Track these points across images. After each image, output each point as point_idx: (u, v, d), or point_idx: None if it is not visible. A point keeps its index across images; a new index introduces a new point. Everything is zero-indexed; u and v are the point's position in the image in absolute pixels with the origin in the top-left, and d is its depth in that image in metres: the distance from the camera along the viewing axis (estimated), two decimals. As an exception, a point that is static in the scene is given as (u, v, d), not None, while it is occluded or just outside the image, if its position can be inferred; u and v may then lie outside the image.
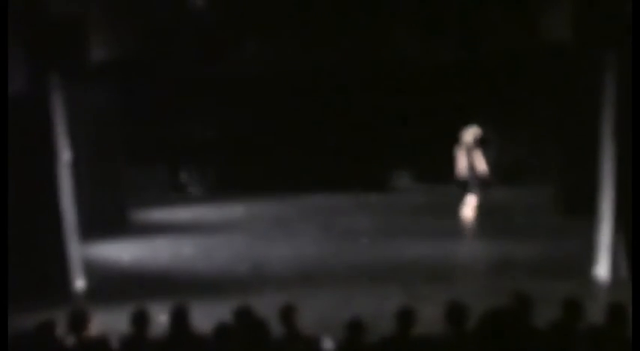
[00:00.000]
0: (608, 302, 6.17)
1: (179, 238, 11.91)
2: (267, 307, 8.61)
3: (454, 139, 14.43)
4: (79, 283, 9.80)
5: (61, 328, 6.11)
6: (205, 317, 8.12)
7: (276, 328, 6.21)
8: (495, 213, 12.82)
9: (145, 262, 10.81)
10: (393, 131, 14.54)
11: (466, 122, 14.29)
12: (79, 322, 6.07)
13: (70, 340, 6.01)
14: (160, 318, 7.81)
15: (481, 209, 12.98)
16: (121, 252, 11.23)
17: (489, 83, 13.89)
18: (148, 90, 13.55)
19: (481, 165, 11.87)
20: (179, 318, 6.09)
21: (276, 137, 14.46)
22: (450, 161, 14.66)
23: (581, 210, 11.81)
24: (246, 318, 6.07)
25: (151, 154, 14.19)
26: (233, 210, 13.62)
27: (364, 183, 14.52)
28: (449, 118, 14.28)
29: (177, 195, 14.14)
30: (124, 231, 12.24)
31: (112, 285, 9.87)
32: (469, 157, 11.69)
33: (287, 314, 6.04)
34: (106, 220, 12.26)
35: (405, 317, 5.85)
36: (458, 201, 13.62)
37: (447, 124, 14.33)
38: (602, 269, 9.42)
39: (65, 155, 9.72)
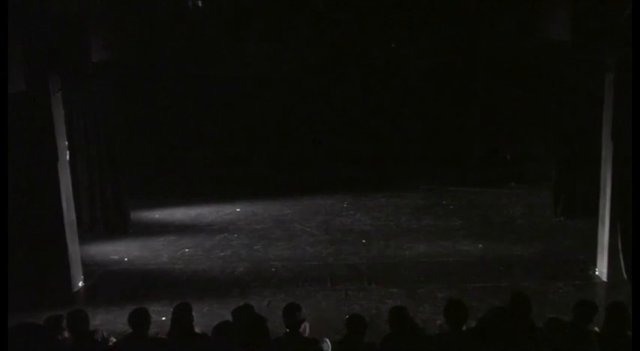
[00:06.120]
0: (608, 302, 6.18)
1: (179, 238, 11.93)
2: (266, 307, 8.67)
3: (454, 139, 14.50)
4: (79, 283, 9.82)
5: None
6: (205, 317, 8.17)
7: (275, 328, 6.22)
8: (495, 213, 12.84)
9: (145, 262, 10.81)
10: (393, 132, 14.55)
11: (465, 121, 14.35)
12: (78, 322, 6.09)
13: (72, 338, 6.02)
14: (160, 318, 7.85)
15: (481, 209, 13.02)
16: (121, 252, 11.24)
17: (489, 84, 13.90)
18: (148, 90, 13.56)
19: None
20: (179, 317, 6.10)
21: (276, 137, 14.47)
22: (450, 162, 14.73)
23: (581, 210, 11.86)
24: (246, 317, 6.08)
25: (152, 154, 14.20)
26: (233, 210, 13.63)
27: (365, 184, 14.53)
28: (449, 117, 14.31)
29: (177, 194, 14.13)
30: (124, 231, 12.25)
31: (112, 285, 9.87)
32: None
33: (289, 313, 6.04)
34: (106, 220, 12.28)
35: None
36: (458, 202, 13.66)
37: (446, 124, 14.38)
38: (602, 269, 9.44)
39: (65, 155, 9.72)
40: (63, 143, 9.63)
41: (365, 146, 14.50)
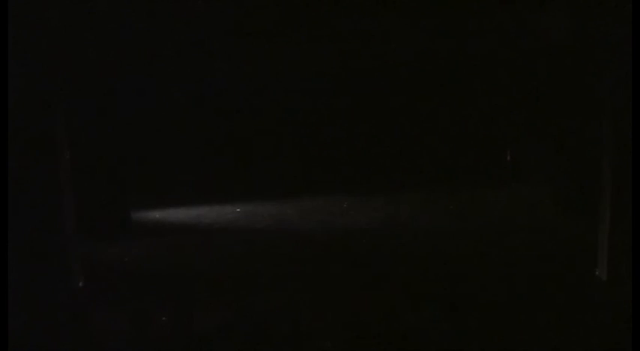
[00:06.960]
0: (608, 302, 6.19)
1: (179, 238, 11.93)
2: (267, 307, 8.67)
3: (454, 139, 14.53)
4: (79, 283, 9.82)
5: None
6: (205, 317, 8.17)
7: (276, 328, 6.23)
8: (496, 213, 12.85)
9: (145, 262, 10.82)
10: (393, 131, 14.56)
11: (465, 121, 14.38)
12: (78, 322, 6.09)
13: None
14: (161, 318, 7.85)
15: (481, 209, 13.02)
16: (121, 252, 11.24)
17: (489, 83, 13.91)
18: (148, 89, 13.57)
19: None
20: (179, 318, 6.11)
21: (276, 137, 14.47)
22: (450, 162, 14.76)
23: (581, 210, 11.87)
24: (246, 317, 6.08)
25: (152, 153, 14.21)
26: (233, 210, 13.64)
27: (365, 184, 14.54)
28: (449, 117, 14.32)
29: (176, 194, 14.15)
30: (124, 231, 12.25)
31: (112, 285, 9.87)
32: None
33: (290, 313, 6.05)
34: (106, 220, 12.28)
35: None
36: (458, 202, 13.67)
37: (446, 123, 14.39)
38: (602, 269, 9.43)
39: (65, 155, 9.73)
40: (63, 143, 9.63)
41: (365, 146, 14.50)
